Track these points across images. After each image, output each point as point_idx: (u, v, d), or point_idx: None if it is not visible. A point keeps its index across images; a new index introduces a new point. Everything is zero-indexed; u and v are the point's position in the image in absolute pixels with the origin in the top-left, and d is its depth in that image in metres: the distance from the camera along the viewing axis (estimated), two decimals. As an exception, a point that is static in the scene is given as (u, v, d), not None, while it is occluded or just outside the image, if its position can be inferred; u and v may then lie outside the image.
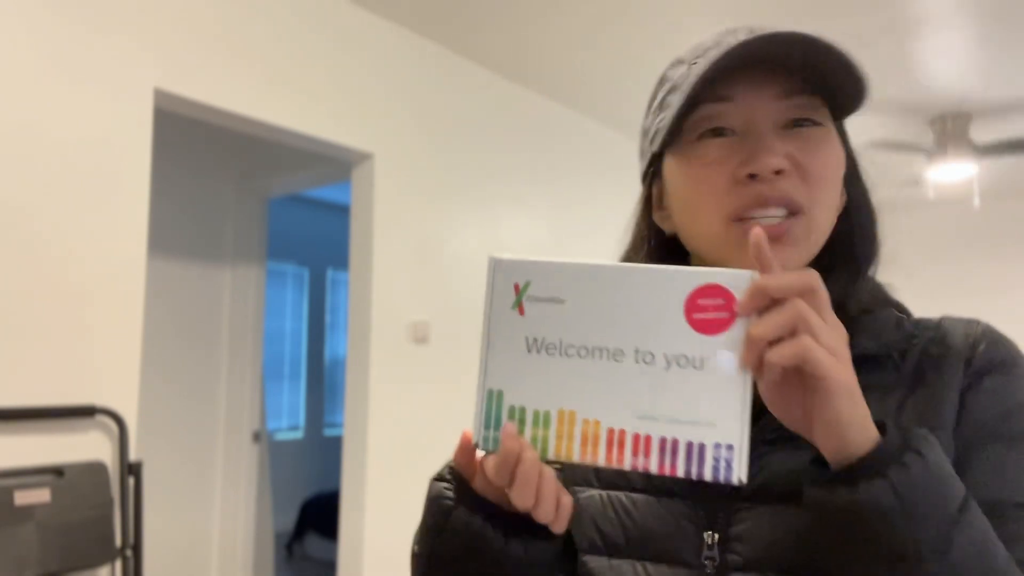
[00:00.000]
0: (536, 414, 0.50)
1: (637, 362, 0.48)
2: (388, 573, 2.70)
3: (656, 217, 0.67)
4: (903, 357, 0.60)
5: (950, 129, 3.87)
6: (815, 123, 0.59)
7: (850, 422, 0.46)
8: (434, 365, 2.93)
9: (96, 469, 1.91)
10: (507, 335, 0.51)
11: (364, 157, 2.78)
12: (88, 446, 1.93)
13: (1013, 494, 0.54)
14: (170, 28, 2.17)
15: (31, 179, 1.87)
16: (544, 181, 3.56)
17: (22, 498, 1.75)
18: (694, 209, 0.60)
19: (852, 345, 0.57)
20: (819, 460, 0.49)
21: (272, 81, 2.44)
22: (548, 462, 0.51)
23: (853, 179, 0.65)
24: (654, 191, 0.67)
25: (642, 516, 0.61)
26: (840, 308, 0.59)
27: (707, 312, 0.47)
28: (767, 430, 0.57)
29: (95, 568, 1.88)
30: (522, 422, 0.50)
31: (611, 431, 0.48)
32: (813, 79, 0.57)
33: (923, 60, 3.19)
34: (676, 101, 0.58)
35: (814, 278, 0.47)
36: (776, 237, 0.55)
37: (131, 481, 1.99)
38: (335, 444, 5.79)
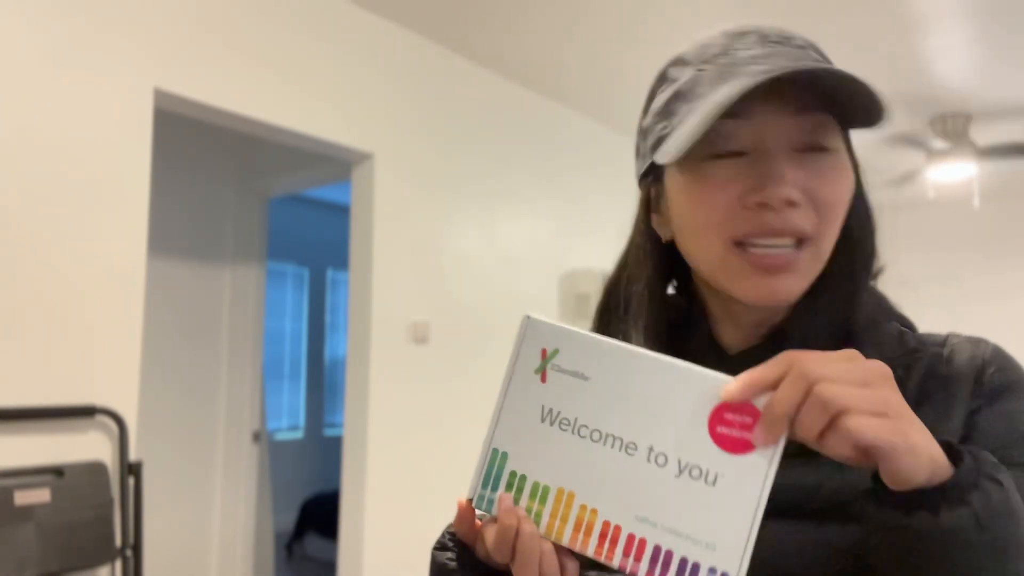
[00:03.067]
0: (536, 486, 0.49)
1: (649, 461, 0.46)
2: (388, 573, 2.70)
3: (654, 222, 0.65)
4: (906, 373, 0.59)
5: (950, 129, 3.87)
6: (829, 149, 0.56)
7: (916, 466, 0.43)
8: (434, 365, 2.93)
9: (96, 469, 1.91)
10: (524, 399, 0.49)
11: (364, 157, 2.78)
12: (88, 446, 1.93)
13: None
14: (170, 28, 2.18)
15: (31, 179, 1.87)
16: (544, 180, 3.56)
17: (22, 498, 1.75)
18: (695, 228, 0.58)
19: None
20: (875, 477, 0.47)
21: (272, 81, 2.44)
22: None
23: (856, 190, 0.62)
24: (652, 194, 0.65)
25: None
26: (843, 321, 0.60)
27: (732, 428, 0.45)
28: None
29: (95, 568, 1.88)
30: (519, 490, 0.49)
31: (607, 524, 0.47)
32: (830, 100, 0.55)
33: (923, 60, 3.19)
34: (684, 113, 0.56)
35: (823, 365, 0.44)
36: (782, 267, 0.55)
37: (131, 481, 1.99)
38: (335, 444, 5.79)
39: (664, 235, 0.64)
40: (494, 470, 0.50)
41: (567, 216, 3.68)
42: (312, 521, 4.82)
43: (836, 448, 0.43)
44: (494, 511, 0.49)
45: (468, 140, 3.18)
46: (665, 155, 0.57)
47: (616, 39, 3.00)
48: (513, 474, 0.49)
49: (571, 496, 0.48)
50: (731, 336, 0.63)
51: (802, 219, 0.54)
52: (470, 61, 3.22)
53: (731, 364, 0.59)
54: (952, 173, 3.98)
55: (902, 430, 0.43)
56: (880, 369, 0.45)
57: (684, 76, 0.59)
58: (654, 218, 0.65)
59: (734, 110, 0.54)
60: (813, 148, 0.56)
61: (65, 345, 1.90)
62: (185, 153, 3.38)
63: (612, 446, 0.47)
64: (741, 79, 0.53)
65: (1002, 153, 3.91)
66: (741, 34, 0.58)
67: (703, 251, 0.58)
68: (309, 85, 2.55)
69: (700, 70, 0.57)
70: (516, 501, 0.49)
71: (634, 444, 0.47)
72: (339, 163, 2.93)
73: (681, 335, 0.65)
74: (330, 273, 6.16)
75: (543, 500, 0.48)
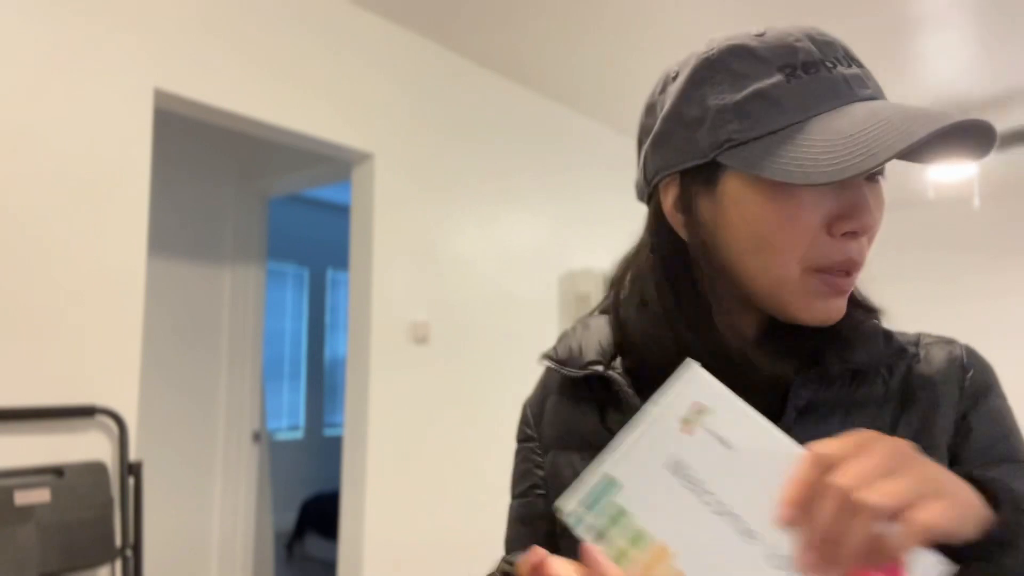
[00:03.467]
0: (635, 529, 0.47)
1: (768, 558, 0.43)
2: (388, 573, 2.70)
3: (679, 221, 0.61)
4: (889, 372, 0.60)
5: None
6: (883, 178, 0.57)
7: (971, 524, 0.42)
8: (434, 365, 2.93)
9: (96, 469, 1.91)
10: (658, 441, 0.48)
11: (364, 157, 2.78)
12: (88, 446, 1.93)
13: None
14: (170, 28, 2.18)
15: (31, 180, 1.87)
16: (544, 181, 3.56)
17: (22, 498, 1.75)
18: (768, 248, 0.55)
19: (845, 360, 0.58)
20: None
21: (272, 81, 2.44)
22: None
23: None
24: (688, 192, 0.59)
25: None
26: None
27: None
28: None
29: (95, 568, 1.88)
30: (616, 523, 0.47)
31: None
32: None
33: (923, 59, 3.19)
34: (769, 118, 0.53)
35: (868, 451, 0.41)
36: (843, 291, 0.56)
37: (131, 481, 1.99)
38: (335, 444, 5.80)
39: (685, 236, 0.60)
40: (600, 494, 0.49)
41: (567, 216, 3.68)
42: (312, 521, 4.82)
43: (905, 545, 0.39)
44: (580, 531, 0.48)
45: (468, 140, 3.18)
46: (742, 158, 0.53)
47: (616, 39, 3.01)
48: (618, 507, 0.48)
49: (665, 554, 0.46)
50: (727, 337, 0.62)
51: (863, 248, 0.56)
52: (470, 61, 3.22)
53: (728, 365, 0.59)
54: (952, 173, 3.98)
55: (958, 499, 0.41)
56: (902, 447, 0.42)
57: (762, 75, 0.54)
58: (683, 217, 0.60)
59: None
60: (875, 177, 0.56)
61: (65, 345, 1.90)
62: (185, 153, 3.38)
63: (729, 524, 0.45)
64: (919, 120, 0.49)
65: (1005, 142, 3.91)
66: (825, 43, 0.55)
67: (771, 271, 0.55)
68: (309, 85, 2.55)
69: (791, 75, 0.54)
70: (606, 534, 0.47)
71: (752, 533, 0.44)
72: (339, 163, 2.93)
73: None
74: (330, 273, 6.16)
75: (637, 546, 0.47)
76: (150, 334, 2.95)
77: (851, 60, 0.55)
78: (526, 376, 3.36)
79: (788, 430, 0.55)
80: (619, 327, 0.66)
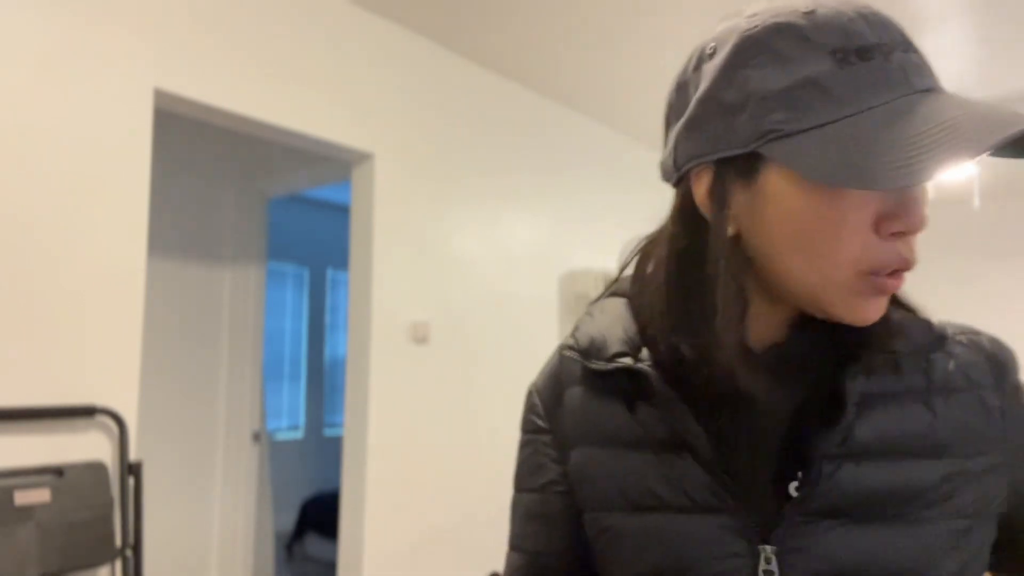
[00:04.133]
0: None
1: None
2: (388, 573, 2.70)
3: (710, 212, 0.56)
4: (928, 361, 0.58)
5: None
6: None
7: None
8: (434, 365, 2.93)
9: (96, 469, 1.91)
10: None
11: (364, 157, 2.78)
12: (88, 446, 1.93)
13: None
14: (170, 28, 2.17)
15: (31, 179, 1.87)
16: (544, 180, 3.56)
17: (22, 498, 1.75)
18: (816, 249, 0.51)
19: (889, 349, 0.57)
20: None
21: (272, 81, 2.44)
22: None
23: None
24: (723, 184, 0.55)
25: (684, 536, 0.56)
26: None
27: None
28: (831, 444, 0.54)
29: (95, 568, 1.88)
30: None
31: None
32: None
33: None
34: (821, 108, 0.48)
35: None
36: (891, 292, 0.53)
37: (131, 481, 1.99)
38: (335, 444, 5.80)
39: (718, 228, 0.56)
40: None
41: (567, 216, 3.68)
42: (312, 521, 4.82)
43: None
44: None
45: (468, 140, 3.18)
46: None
47: (617, 39, 3.00)
48: None
49: None
50: (757, 332, 0.60)
51: (915, 247, 0.53)
52: (470, 61, 3.22)
53: (761, 361, 0.58)
54: (952, 173, 3.98)
55: None
56: None
57: (810, 60, 0.49)
58: (713, 209, 0.55)
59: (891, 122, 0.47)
60: None
61: (65, 345, 1.90)
62: (185, 153, 3.38)
63: None
64: (987, 123, 0.45)
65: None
66: (881, 23, 0.50)
67: (816, 272, 0.52)
68: (309, 85, 2.55)
69: (843, 61, 0.49)
70: None
71: None
72: (339, 163, 2.93)
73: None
74: (330, 273, 6.16)
75: None
76: (150, 334, 2.95)
77: (908, 45, 0.51)
78: (526, 376, 3.36)
79: (851, 426, 0.54)
80: (638, 316, 0.63)
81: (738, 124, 0.52)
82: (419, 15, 2.82)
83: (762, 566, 0.54)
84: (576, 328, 0.68)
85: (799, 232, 0.51)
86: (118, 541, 1.93)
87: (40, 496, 1.78)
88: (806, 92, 0.49)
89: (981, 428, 0.57)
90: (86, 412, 1.91)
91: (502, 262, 3.30)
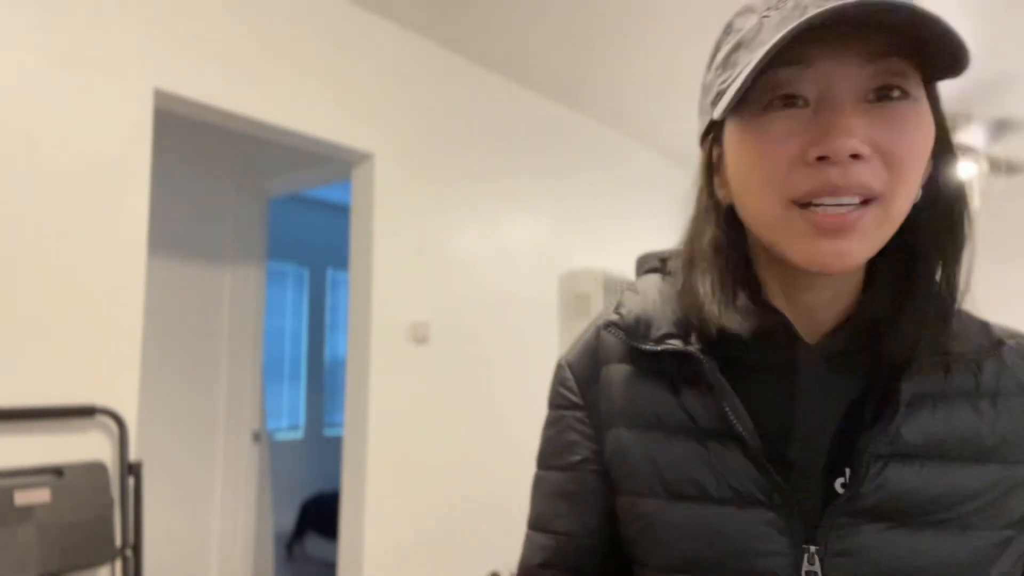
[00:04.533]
0: None
1: None
2: (388, 573, 2.70)
3: (716, 185, 0.59)
4: (978, 365, 0.57)
5: (950, 128, 3.86)
6: (904, 94, 0.50)
7: None
8: (434, 365, 2.93)
9: (96, 469, 1.91)
10: None
11: (364, 157, 2.78)
12: (88, 446, 1.93)
13: None
14: (170, 28, 2.17)
15: (31, 179, 1.87)
16: (544, 180, 3.56)
17: (22, 498, 1.75)
18: (752, 188, 0.53)
19: (944, 351, 0.55)
20: None
21: (272, 81, 2.44)
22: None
23: (941, 150, 0.55)
24: (713, 156, 0.59)
25: (726, 528, 0.55)
26: (927, 305, 0.55)
27: None
28: (880, 443, 0.53)
29: (95, 568, 1.88)
30: None
31: None
32: (904, 41, 0.48)
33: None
34: (743, 62, 0.51)
35: None
36: (841, 227, 0.49)
37: (131, 481, 1.99)
38: (335, 444, 5.80)
39: (722, 197, 0.58)
40: None
41: (567, 216, 3.68)
42: (312, 521, 4.81)
43: None
44: None
45: (468, 140, 3.18)
46: (718, 110, 0.52)
47: (617, 40, 3.00)
48: None
49: None
50: (801, 322, 0.58)
51: (869, 175, 0.48)
52: (470, 61, 3.22)
53: (813, 355, 0.57)
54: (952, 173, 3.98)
55: None
56: None
57: (748, 24, 0.53)
58: (716, 181, 0.59)
59: (794, 57, 0.49)
60: (885, 97, 0.49)
61: (65, 345, 1.90)
62: (185, 153, 3.38)
63: None
64: (800, 13, 0.48)
65: (1004, 168, 3.90)
66: None
67: (760, 212, 0.53)
68: (309, 85, 2.55)
69: (765, 16, 0.52)
70: None
71: None
72: (339, 163, 2.93)
73: (747, 312, 0.58)
74: (330, 273, 6.16)
75: None
76: (150, 334, 2.95)
77: None
78: (526, 376, 3.36)
79: (900, 426, 0.53)
80: (686, 297, 0.61)
81: (708, 98, 0.57)
82: (419, 15, 2.82)
83: (805, 567, 0.53)
84: (620, 304, 0.65)
85: (740, 175, 0.54)
86: (118, 541, 1.93)
87: (40, 496, 1.78)
88: (735, 51, 0.53)
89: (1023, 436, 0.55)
90: (86, 412, 1.91)
91: (502, 262, 3.30)
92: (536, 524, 0.66)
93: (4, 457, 1.78)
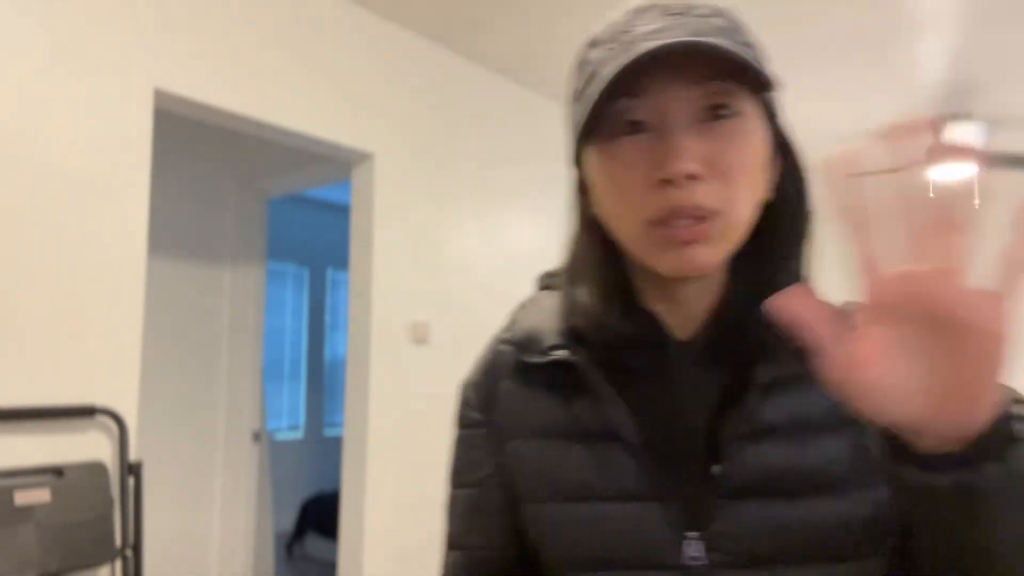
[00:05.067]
0: None
1: None
2: (388, 573, 2.69)
3: (588, 202, 0.64)
4: None
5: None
6: (732, 111, 0.55)
7: (992, 388, 0.39)
8: (434, 365, 2.93)
9: (96, 469, 1.91)
10: None
11: (364, 157, 2.78)
12: (88, 446, 1.93)
13: None
14: (170, 28, 2.17)
15: (31, 179, 1.87)
16: (544, 181, 3.56)
17: (22, 498, 1.75)
18: (613, 210, 0.58)
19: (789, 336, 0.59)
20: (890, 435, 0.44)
21: (272, 81, 2.44)
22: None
23: (783, 152, 0.61)
24: (582, 176, 0.64)
25: (617, 524, 0.58)
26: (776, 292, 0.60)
27: None
28: (740, 425, 0.57)
29: (95, 568, 1.88)
30: None
31: None
32: (723, 66, 0.53)
33: (923, 60, 3.19)
34: (590, 95, 0.55)
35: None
36: (694, 238, 0.54)
37: (131, 481, 1.99)
38: (335, 444, 5.79)
39: (598, 215, 0.63)
40: None
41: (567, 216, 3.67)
42: (312, 521, 4.82)
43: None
44: None
45: (468, 140, 3.18)
46: (574, 140, 0.58)
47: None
48: None
49: None
50: (677, 321, 0.63)
51: (705, 193, 0.53)
52: (470, 61, 3.22)
53: (686, 351, 0.61)
54: (952, 173, 3.98)
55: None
56: None
57: (596, 57, 0.57)
58: (589, 199, 0.63)
59: (631, 88, 0.53)
60: (715, 117, 0.54)
61: (65, 345, 1.90)
62: (185, 153, 3.38)
63: None
64: (625, 57, 0.53)
65: (1003, 163, 3.91)
66: (645, 9, 0.57)
67: (623, 231, 0.58)
68: (309, 85, 2.55)
69: (610, 48, 0.56)
70: None
71: None
72: (339, 163, 2.93)
73: (624, 318, 0.63)
74: (330, 273, 6.16)
75: None
76: (150, 334, 2.95)
77: (668, 15, 0.55)
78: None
79: (758, 409, 0.57)
80: (569, 309, 0.65)
81: (570, 127, 0.61)
82: (419, 15, 2.82)
83: (690, 551, 0.56)
84: (512, 321, 0.70)
85: (603, 198, 0.59)
86: (118, 541, 1.93)
87: (40, 496, 1.78)
88: (587, 85, 0.57)
89: None
90: (86, 412, 1.91)
91: (502, 262, 3.29)
92: (451, 542, 0.69)
93: (4, 457, 1.78)
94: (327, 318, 6.15)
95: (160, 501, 3.11)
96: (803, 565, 0.55)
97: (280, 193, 3.66)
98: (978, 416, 0.40)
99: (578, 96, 0.59)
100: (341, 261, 5.76)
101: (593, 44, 0.59)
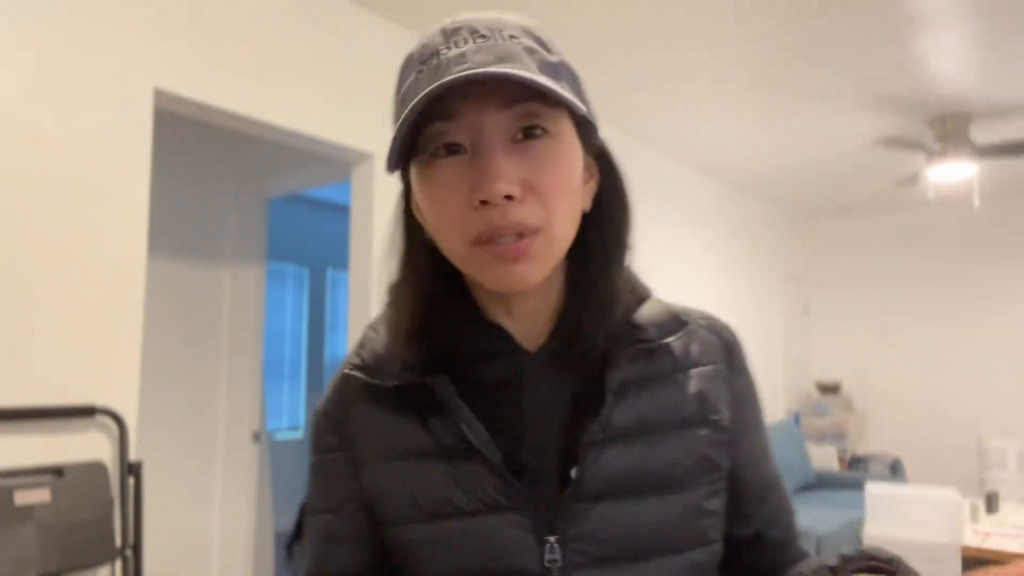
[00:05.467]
0: None
1: None
2: (388, 573, 2.69)
3: (416, 214, 0.64)
4: (681, 342, 0.66)
5: (950, 129, 3.87)
6: (544, 131, 0.56)
7: None
8: (434, 365, 2.93)
9: (96, 469, 1.91)
10: None
11: (364, 157, 2.78)
12: (88, 446, 1.93)
13: (774, 472, 0.71)
14: (170, 28, 2.17)
15: (31, 179, 1.87)
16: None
17: (22, 498, 1.75)
18: (439, 230, 0.59)
19: (640, 340, 0.62)
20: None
21: (272, 81, 2.44)
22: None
23: (603, 170, 0.64)
24: (407, 188, 0.65)
25: (480, 538, 0.59)
26: (611, 302, 0.62)
27: None
28: (594, 431, 0.59)
29: (95, 568, 1.88)
30: None
31: None
32: (531, 90, 0.54)
33: (923, 60, 3.19)
34: (403, 121, 0.55)
35: None
36: (517, 256, 0.55)
37: (131, 481, 1.99)
38: (335, 444, 5.79)
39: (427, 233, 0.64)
40: None
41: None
42: (312, 521, 4.81)
43: None
44: None
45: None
46: (387, 164, 0.58)
47: (617, 41, 3.00)
48: None
49: None
50: (523, 332, 0.64)
51: (524, 212, 0.54)
52: (470, 61, 3.21)
53: (534, 361, 0.63)
54: (952, 173, 3.98)
55: None
56: None
57: (408, 80, 0.58)
58: (416, 212, 0.64)
59: (444, 111, 0.54)
60: (529, 136, 0.55)
61: (65, 345, 1.90)
62: (185, 153, 3.38)
63: None
64: (432, 87, 0.53)
65: (1002, 151, 3.91)
66: (454, 30, 0.56)
67: (450, 249, 0.59)
68: (309, 85, 2.55)
69: (420, 72, 0.56)
70: None
71: None
72: (339, 163, 2.93)
73: (472, 333, 0.64)
74: (330, 273, 6.16)
75: None
76: (150, 334, 2.95)
77: (476, 37, 0.55)
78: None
79: (611, 412, 0.60)
80: (395, 328, 0.66)
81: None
82: (419, 15, 2.82)
83: (547, 556, 0.58)
84: (361, 345, 0.69)
85: (429, 217, 0.59)
86: (118, 541, 1.93)
87: (40, 496, 1.78)
88: (400, 106, 0.58)
89: (717, 396, 0.65)
90: (86, 412, 1.91)
91: (502, 262, 3.29)
92: (310, 570, 0.68)
93: (4, 457, 1.78)
94: (327, 318, 6.16)
95: (160, 501, 3.11)
96: (650, 559, 0.59)
97: (280, 193, 3.66)
98: None
99: (393, 118, 0.60)
100: (341, 261, 5.76)
101: (408, 64, 0.59)
